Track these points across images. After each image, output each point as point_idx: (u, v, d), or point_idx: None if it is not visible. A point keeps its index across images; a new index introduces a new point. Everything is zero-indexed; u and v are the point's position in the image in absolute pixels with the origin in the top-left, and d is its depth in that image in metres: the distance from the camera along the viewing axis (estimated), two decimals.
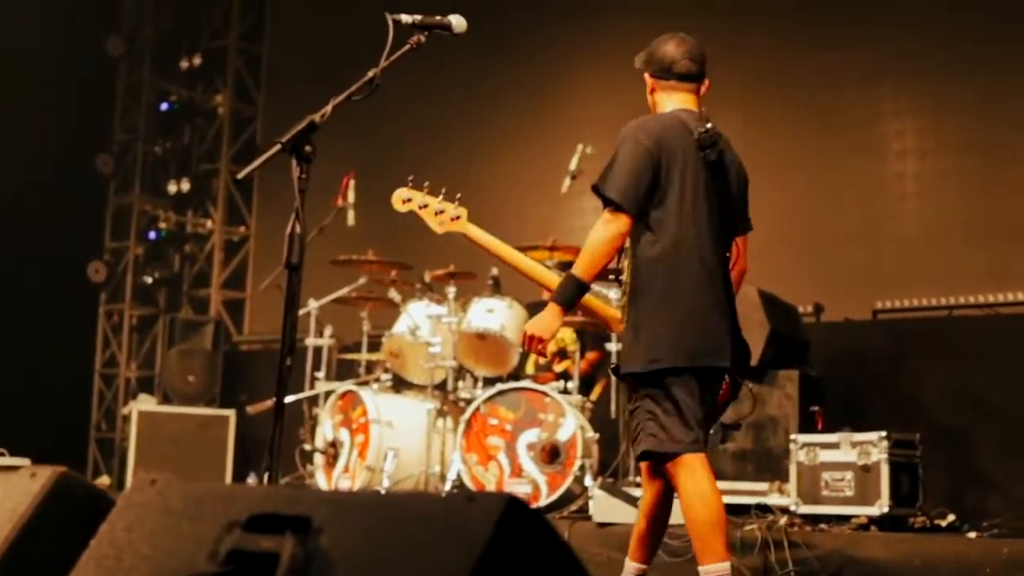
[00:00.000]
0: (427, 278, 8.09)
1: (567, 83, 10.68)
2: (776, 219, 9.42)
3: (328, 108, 3.20)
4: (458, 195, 5.10)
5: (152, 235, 12.24)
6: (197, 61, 12.36)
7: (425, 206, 5.08)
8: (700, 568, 4.41)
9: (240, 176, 3.15)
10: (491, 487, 7.12)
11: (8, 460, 7.34)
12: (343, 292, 8.45)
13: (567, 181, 7.54)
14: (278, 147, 3.12)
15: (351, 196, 8.15)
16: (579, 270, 4.39)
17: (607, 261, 4.43)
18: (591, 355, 8.18)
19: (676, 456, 4.45)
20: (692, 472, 4.49)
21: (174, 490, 2.41)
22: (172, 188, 12.26)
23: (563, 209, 9.09)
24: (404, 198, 5.21)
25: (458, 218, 4.95)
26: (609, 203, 4.35)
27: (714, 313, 4.40)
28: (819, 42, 9.38)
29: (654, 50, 4.65)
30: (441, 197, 5.09)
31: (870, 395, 8.25)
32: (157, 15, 12.61)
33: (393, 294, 8.05)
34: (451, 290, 7.88)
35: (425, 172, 10.94)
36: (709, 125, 4.43)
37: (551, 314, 4.42)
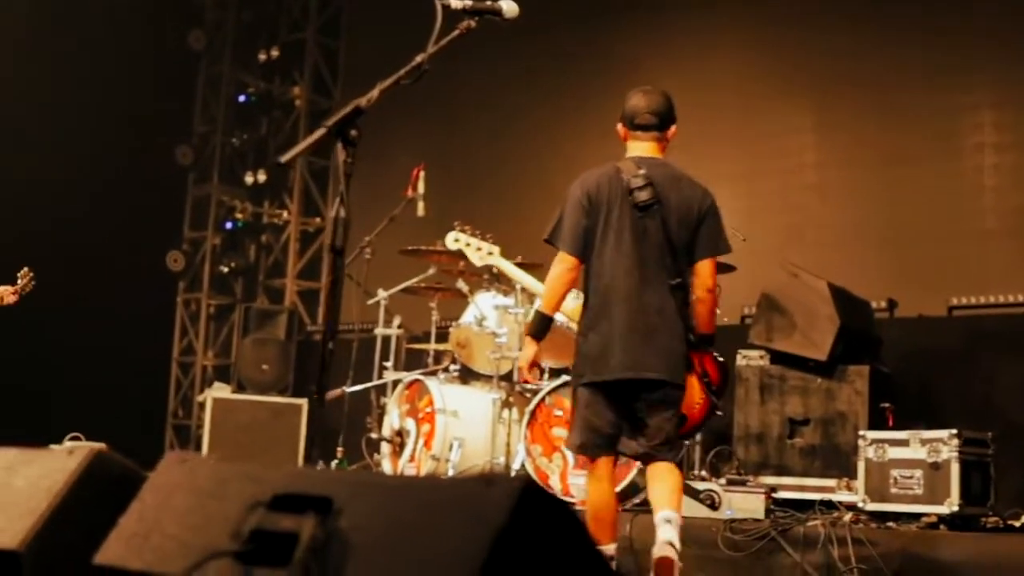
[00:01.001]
0: (495, 269, 8.08)
1: (632, 71, 10.63)
2: (850, 213, 9.32)
3: (375, 93, 3.20)
4: (489, 235, 6.97)
5: (229, 225, 12.39)
6: (275, 54, 12.47)
7: (468, 245, 6.40)
8: None
9: (284, 160, 3.16)
10: (555, 478, 7.11)
11: (85, 444, 7.49)
12: (412, 282, 8.47)
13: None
14: (323, 131, 3.12)
15: (421, 187, 8.15)
16: (541, 304, 5.41)
17: (561, 294, 5.32)
18: None
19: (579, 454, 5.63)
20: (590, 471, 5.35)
21: (203, 469, 2.43)
22: (249, 179, 12.38)
23: None
24: (454, 238, 6.52)
25: (491, 254, 6.35)
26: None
27: (625, 335, 5.13)
28: (893, 36, 9.24)
29: (625, 103, 5.35)
30: (479, 238, 6.56)
31: (943, 392, 8.13)
32: (238, 8, 12.74)
33: (461, 284, 8.05)
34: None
35: (495, 167, 11.09)
36: (642, 171, 5.15)
37: (526, 345, 5.45)
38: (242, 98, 12.56)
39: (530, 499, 1.98)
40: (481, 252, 6.17)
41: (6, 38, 10.40)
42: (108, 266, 11.09)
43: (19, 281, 7.81)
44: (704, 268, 5.28)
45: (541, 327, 5.37)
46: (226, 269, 12.28)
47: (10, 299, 7.63)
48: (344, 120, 3.15)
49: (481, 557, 1.90)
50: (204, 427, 10.36)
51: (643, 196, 5.11)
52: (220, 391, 10.70)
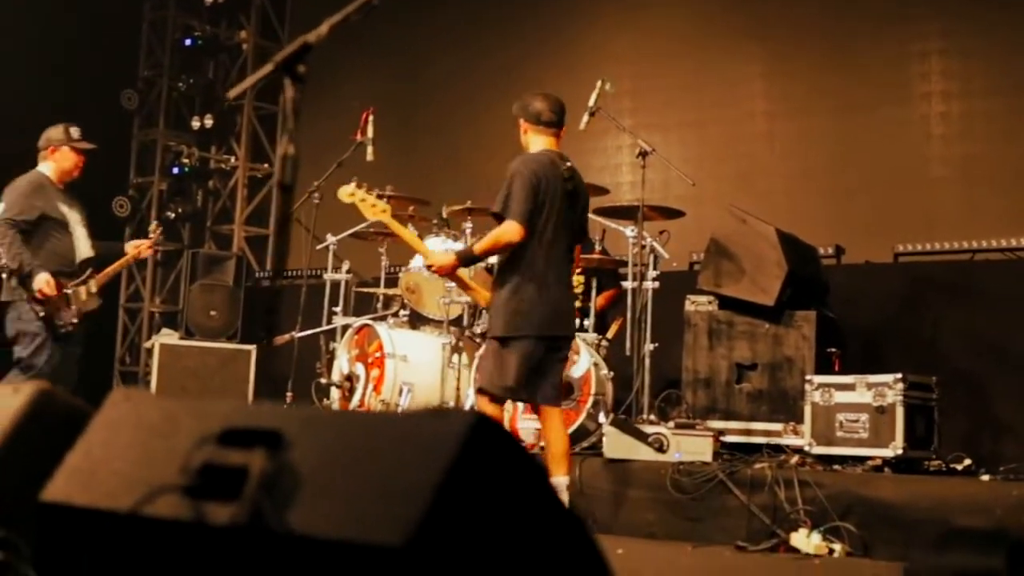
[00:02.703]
0: (444, 213, 8.06)
1: (589, 20, 10.60)
2: (798, 161, 9.36)
3: (324, 28, 3.14)
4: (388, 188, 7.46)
5: (176, 170, 12.24)
6: None
7: (363, 200, 6.39)
8: None
9: (231, 95, 3.13)
10: (505, 423, 7.12)
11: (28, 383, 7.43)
12: (361, 227, 8.43)
13: (585, 118, 7.45)
14: (271, 66, 3.07)
15: (370, 131, 8.09)
16: (478, 248, 6.07)
17: (499, 252, 6.00)
18: (607, 292, 8.15)
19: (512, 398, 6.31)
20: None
21: (150, 405, 2.40)
22: (196, 124, 12.24)
23: (582, 147, 9.01)
24: (349, 192, 6.43)
25: (385, 211, 6.38)
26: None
27: (554, 299, 5.93)
28: None
29: (527, 103, 6.18)
30: (375, 193, 6.67)
31: (889, 338, 8.20)
32: None
33: (410, 229, 8.02)
34: (468, 225, 7.86)
35: (445, 110, 11.02)
36: (569, 164, 6.06)
37: (448, 257, 6.19)
38: (188, 42, 12.38)
39: (482, 433, 1.98)
40: (376, 208, 6.34)
41: None
42: None
43: (152, 235, 8.05)
44: (579, 251, 6.43)
45: (470, 259, 6.26)
46: (173, 215, 12.14)
47: (147, 252, 7.90)
48: (292, 56, 3.09)
49: (434, 489, 1.89)
50: (152, 373, 10.29)
51: (571, 186, 6.01)
52: (168, 337, 10.63)
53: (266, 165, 12.43)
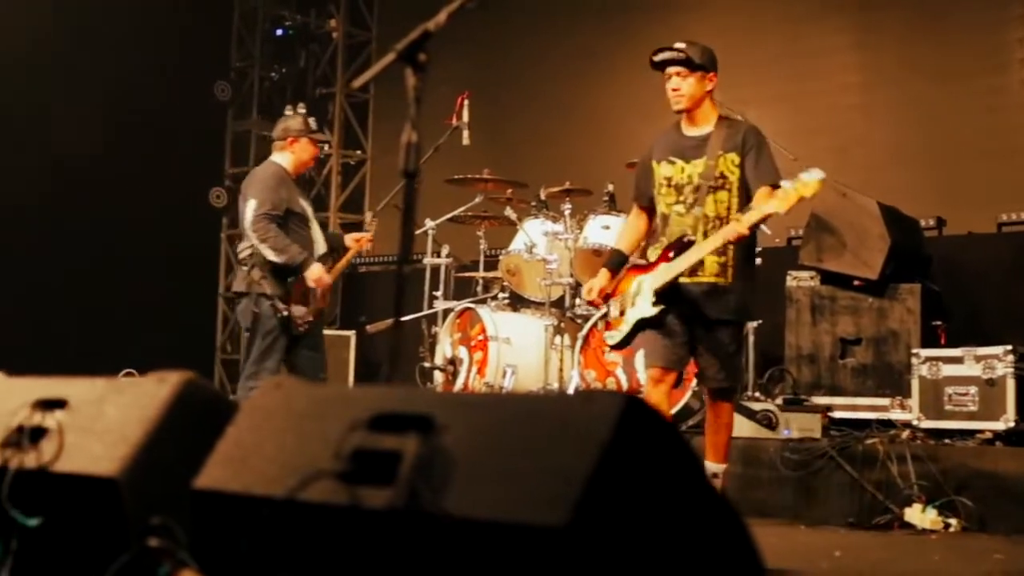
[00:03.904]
0: (543, 195, 8.08)
1: (673, 9, 10.54)
2: (896, 132, 9.24)
3: (442, 16, 3.17)
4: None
5: None
6: None
7: None
8: None
9: (356, 85, 3.16)
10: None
11: (173, 373, 7.55)
12: (459, 211, 8.48)
13: None
14: (393, 56, 3.10)
15: (465, 116, 8.12)
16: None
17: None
18: None
19: None
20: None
21: (299, 393, 2.45)
22: (288, 113, 12.32)
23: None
24: None
25: None
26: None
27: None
28: None
29: (713, 52, 5.47)
30: None
31: (993, 309, 8.09)
32: None
33: (509, 212, 8.06)
34: (567, 207, 7.87)
35: (535, 91, 11.01)
36: None
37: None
38: (279, 32, 12.50)
39: (633, 415, 1.99)
40: None
41: None
42: (153, 205, 11.14)
43: (368, 228, 7.74)
44: None
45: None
46: None
47: (367, 245, 7.52)
48: (413, 44, 3.13)
49: (587, 472, 1.91)
50: None
51: None
52: None
53: (359, 152, 12.52)
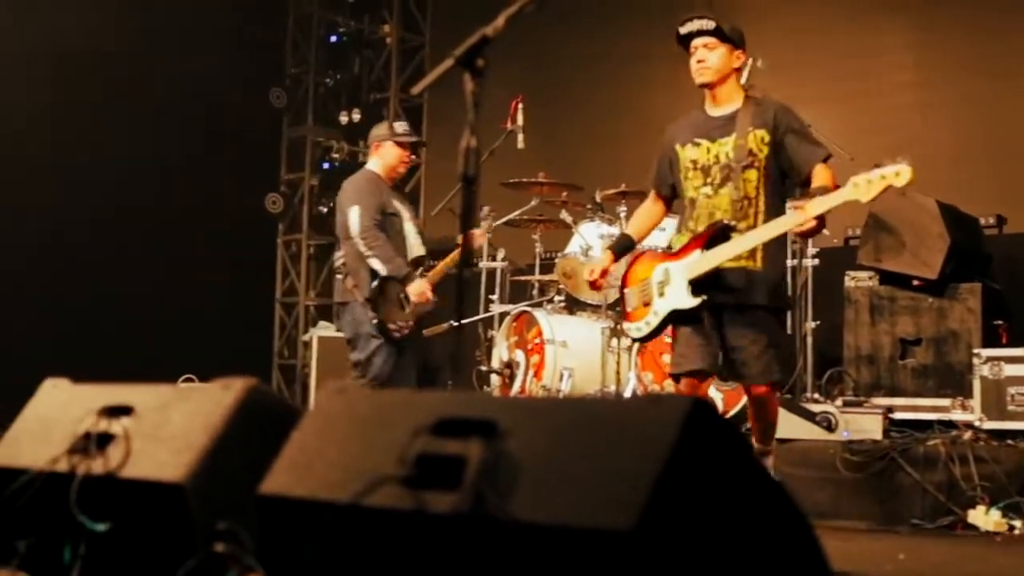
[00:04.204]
0: (598, 198, 8.05)
1: (725, 8, 10.48)
2: (951, 130, 9.16)
3: (500, 21, 3.18)
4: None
5: (326, 165, 12.45)
6: None
7: None
8: None
9: (415, 91, 3.17)
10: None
11: (197, 385, 7.62)
12: (515, 215, 8.48)
13: None
14: (451, 61, 3.12)
15: (520, 119, 8.13)
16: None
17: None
18: None
19: None
20: None
21: (361, 398, 2.46)
22: (344, 119, 12.43)
23: None
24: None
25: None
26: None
27: None
28: None
29: (742, 31, 5.32)
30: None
31: None
32: None
33: (565, 215, 8.05)
34: (622, 210, 7.85)
35: (588, 94, 10.99)
36: None
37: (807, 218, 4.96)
38: (333, 38, 12.58)
39: (698, 418, 1.99)
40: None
41: None
42: (209, 211, 11.24)
43: (483, 223, 7.84)
44: None
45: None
46: (325, 209, 12.35)
47: (482, 240, 7.72)
48: (471, 50, 3.14)
49: (654, 476, 1.91)
50: (310, 366, 10.48)
51: None
52: (325, 330, 10.81)
53: (413, 157, 12.54)
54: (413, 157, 7.30)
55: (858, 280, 7.64)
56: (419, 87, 3.23)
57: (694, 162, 5.25)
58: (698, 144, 5.25)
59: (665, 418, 1.98)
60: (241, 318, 11.76)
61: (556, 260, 8.10)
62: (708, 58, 5.17)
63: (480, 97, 3.14)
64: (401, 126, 7.26)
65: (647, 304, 5.26)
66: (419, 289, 6.71)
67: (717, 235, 5.05)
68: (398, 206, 7.03)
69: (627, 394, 7.24)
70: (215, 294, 11.20)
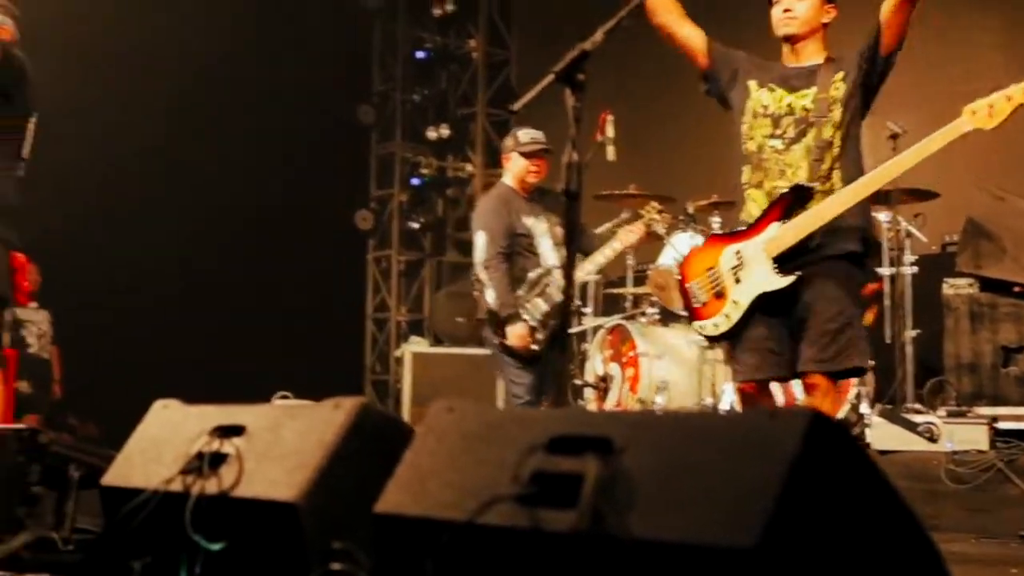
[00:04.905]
0: (690, 209, 8.01)
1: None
2: None
3: (598, 35, 3.19)
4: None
5: (415, 181, 12.55)
6: (450, 8, 12.51)
7: None
8: None
9: (515, 107, 3.18)
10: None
11: (293, 402, 7.68)
12: (606, 227, 8.44)
13: None
14: (552, 77, 3.13)
15: (610, 131, 8.10)
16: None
17: None
18: (870, 285, 7.97)
19: None
20: None
21: (472, 416, 2.46)
22: (432, 134, 12.51)
23: None
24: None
25: None
26: None
27: None
28: None
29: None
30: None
31: None
32: None
33: (657, 227, 8.00)
34: (715, 220, 7.81)
35: (685, 107, 10.93)
36: None
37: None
38: (420, 54, 12.67)
39: (819, 430, 1.96)
40: None
41: (189, 10, 10.63)
42: (300, 228, 11.37)
43: (647, 215, 7.53)
44: None
45: None
46: (415, 225, 12.44)
47: (640, 235, 7.35)
48: (571, 65, 3.15)
49: (776, 491, 1.88)
50: (403, 381, 10.54)
51: None
52: (418, 345, 10.88)
53: (500, 170, 12.56)
54: (539, 165, 7.04)
55: (957, 287, 7.52)
56: (519, 103, 3.24)
57: (764, 107, 4.68)
58: (773, 90, 4.69)
59: (784, 431, 1.95)
60: (333, 334, 11.87)
61: (648, 272, 8.07)
62: (796, 7, 4.63)
63: (581, 112, 3.15)
64: (525, 135, 7.04)
65: (720, 295, 4.61)
66: (518, 333, 6.63)
67: (795, 201, 4.47)
68: (529, 222, 6.88)
69: (724, 407, 7.19)
70: (307, 311, 11.32)
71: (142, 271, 10.38)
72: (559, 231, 6.82)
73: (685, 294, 4.82)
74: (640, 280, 8.47)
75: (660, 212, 7.64)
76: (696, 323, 4.79)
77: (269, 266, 11.20)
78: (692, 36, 4.94)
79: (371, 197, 12.83)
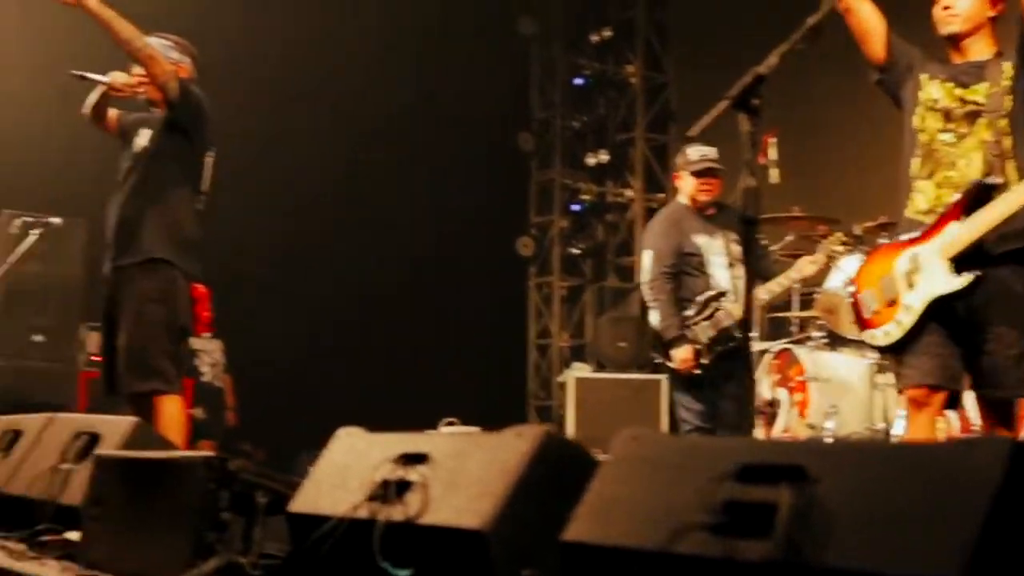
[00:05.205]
0: (858, 231, 7.87)
1: None
2: None
3: (773, 59, 3.18)
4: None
5: (575, 207, 12.58)
6: (607, 34, 12.54)
7: None
8: None
9: (692, 132, 3.17)
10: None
11: (460, 429, 7.75)
12: (771, 250, 8.36)
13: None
14: (726, 102, 3.12)
15: (773, 154, 8.02)
16: None
17: None
18: None
19: None
20: None
21: (658, 444, 2.46)
22: (591, 160, 12.53)
23: None
24: None
25: None
26: None
27: None
28: None
29: None
30: None
31: None
32: None
33: (827, 248, 7.88)
34: (883, 240, 7.65)
35: (850, 128, 10.78)
36: None
37: None
38: (578, 81, 12.71)
39: (1020, 459, 1.92)
40: None
41: (342, 34, 10.83)
42: (461, 256, 11.49)
43: (827, 246, 7.30)
44: None
45: None
46: (576, 251, 12.48)
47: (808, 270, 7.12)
48: (746, 90, 3.14)
49: (978, 522, 1.85)
50: (566, 407, 10.56)
51: None
52: (580, 371, 10.89)
53: (662, 195, 12.53)
54: (710, 183, 6.84)
55: None
56: (695, 129, 3.24)
57: (935, 101, 4.48)
58: (944, 84, 4.48)
59: (984, 462, 1.92)
60: (496, 361, 11.96)
61: (816, 296, 7.95)
62: (956, 4, 4.41)
63: (757, 137, 3.13)
64: (695, 152, 6.83)
65: (893, 303, 4.38)
66: (682, 356, 6.60)
67: (974, 200, 4.21)
68: (701, 240, 6.76)
69: (896, 432, 7.04)
70: (470, 338, 11.42)
71: (310, 301, 10.60)
72: (736, 248, 6.69)
73: (857, 305, 4.61)
74: (806, 304, 8.35)
75: (843, 243, 7.51)
76: (866, 333, 4.57)
77: (432, 294, 11.35)
78: (874, 19, 4.69)
79: (531, 224, 12.91)
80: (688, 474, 2.30)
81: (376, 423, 3.26)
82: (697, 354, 6.63)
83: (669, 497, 2.30)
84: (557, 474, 2.67)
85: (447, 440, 2.94)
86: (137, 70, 5.70)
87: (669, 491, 2.31)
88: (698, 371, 6.62)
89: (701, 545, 2.14)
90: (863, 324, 4.59)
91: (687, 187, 6.94)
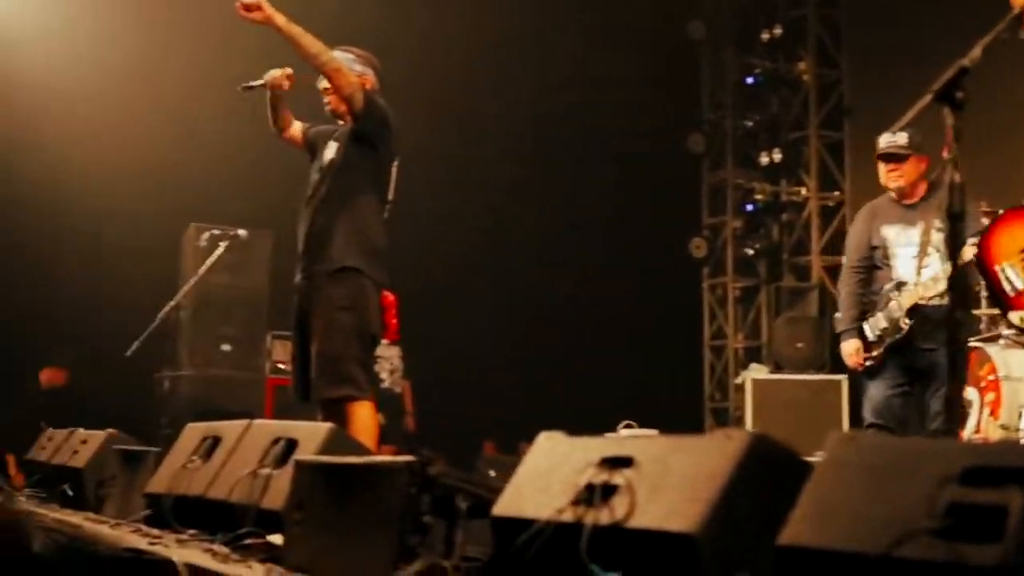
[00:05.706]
0: None
1: None
2: None
3: (976, 51, 3.10)
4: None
5: (748, 207, 12.45)
6: (777, 32, 12.39)
7: None
8: None
9: (894, 129, 3.12)
10: None
11: (639, 431, 7.74)
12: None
13: None
14: (929, 97, 3.06)
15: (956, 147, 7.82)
16: None
17: None
18: None
19: None
20: None
21: (874, 446, 2.42)
22: (764, 159, 12.39)
23: None
24: None
25: None
26: None
27: None
28: None
29: None
30: None
31: None
32: None
33: None
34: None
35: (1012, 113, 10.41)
36: None
37: None
38: (749, 80, 12.58)
39: None
40: None
41: (518, 45, 10.90)
42: (633, 258, 11.47)
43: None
44: None
45: None
46: (750, 251, 12.35)
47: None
48: (949, 83, 3.07)
49: None
50: (743, 409, 10.46)
51: None
52: (758, 372, 10.78)
53: (837, 193, 12.32)
54: (897, 168, 6.35)
55: None
56: (897, 126, 3.18)
57: None
58: None
59: None
60: (670, 363, 11.92)
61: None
62: None
63: (962, 131, 3.06)
64: (884, 139, 6.24)
65: None
66: (847, 351, 6.62)
67: None
68: (890, 232, 6.54)
69: None
70: (645, 340, 11.40)
71: (487, 306, 10.70)
72: (937, 236, 6.32)
73: (993, 280, 4.27)
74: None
75: None
76: (1013, 314, 4.22)
77: (606, 297, 11.36)
78: None
79: (704, 225, 12.82)
80: (908, 476, 2.25)
81: (553, 428, 3.28)
82: (869, 346, 6.53)
83: (890, 500, 2.26)
84: (767, 476, 2.65)
85: (651, 443, 2.93)
86: (322, 82, 5.83)
87: (889, 494, 2.27)
88: (868, 364, 6.55)
89: (926, 550, 2.09)
90: (1009, 303, 4.25)
91: (880, 175, 6.66)
